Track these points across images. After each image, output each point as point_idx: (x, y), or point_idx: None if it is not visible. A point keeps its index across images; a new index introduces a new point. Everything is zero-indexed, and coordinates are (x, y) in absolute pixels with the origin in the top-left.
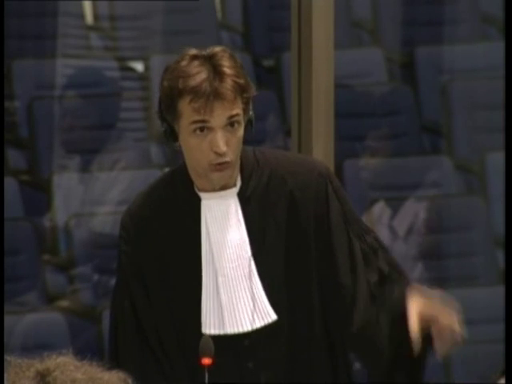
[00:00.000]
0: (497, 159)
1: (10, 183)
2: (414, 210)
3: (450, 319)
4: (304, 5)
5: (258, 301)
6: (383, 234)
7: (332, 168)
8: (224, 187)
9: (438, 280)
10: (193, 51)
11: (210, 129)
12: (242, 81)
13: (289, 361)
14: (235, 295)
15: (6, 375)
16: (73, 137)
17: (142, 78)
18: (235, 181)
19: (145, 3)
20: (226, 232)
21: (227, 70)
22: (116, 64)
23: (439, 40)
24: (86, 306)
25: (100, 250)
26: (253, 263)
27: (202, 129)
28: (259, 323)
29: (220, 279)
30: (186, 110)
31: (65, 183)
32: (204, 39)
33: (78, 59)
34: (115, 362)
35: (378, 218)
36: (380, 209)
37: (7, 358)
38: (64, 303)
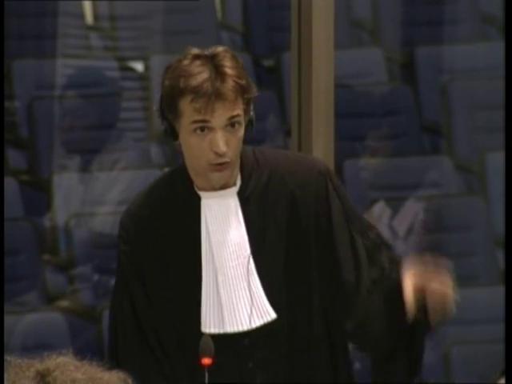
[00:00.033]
0: (497, 159)
1: (9, 183)
2: (414, 210)
3: (441, 283)
4: (304, 5)
5: (257, 299)
6: (383, 234)
7: (332, 168)
8: (224, 186)
9: None
10: (195, 50)
11: (211, 129)
12: (243, 81)
13: (289, 360)
14: (235, 294)
15: (6, 375)
16: (73, 137)
17: (142, 78)
18: (235, 180)
19: (145, 3)
20: (225, 231)
21: (229, 71)
22: (116, 64)
23: (439, 40)
24: (86, 306)
25: (100, 250)
26: (252, 262)
27: (202, 128)
28: (258, 322)
29: (220, 278)
30: (187, 109)
31: (65, 183)
32: (204, 39)
33: (78, 59)
34: (115, 362)
35: (378, 217)
36: (380, 209)
37: (7, 358)
38: (64, 303)
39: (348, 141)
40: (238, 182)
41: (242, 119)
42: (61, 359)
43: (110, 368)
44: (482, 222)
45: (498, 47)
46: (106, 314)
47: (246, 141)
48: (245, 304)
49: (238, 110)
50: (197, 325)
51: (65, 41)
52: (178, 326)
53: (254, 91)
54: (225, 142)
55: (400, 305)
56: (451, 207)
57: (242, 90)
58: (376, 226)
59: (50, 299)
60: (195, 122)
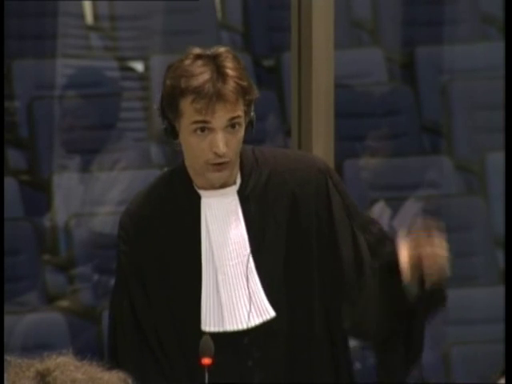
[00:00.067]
0: (497, 159)
1: (9, 183)
2: (414, 210)
3: (432, 245)
4: (304, 5)
5: (257, 298)
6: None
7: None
8: (224, 185)
9: None
10: (197, 50)
11: (211, 129)
12: (244, 83)
13: (289, 360)
14: (235, 293)
15: (6, 375)
16: (73, 137)
17: (142, 78)
18: (235, 178)
19: (145, 3)
20: (225, 230)
21: (230, 72)
22: (116, 64)
23: (439, 40)
24: (86, 306)
25: (100, 250)
26: (252, 261)
27: (202, 129)
28: (257, 320)
29: (220, 277)
30: (188, 109)
31: (65, 183)
32: (204, 39)
33: (78, 59)
34: (114, 362)
35: (378, 218)
36: (380, 209)
37: (7, 358)
38: (64, 303)
39: (348, 141)
40: (238, 181)
41: (242, 120)
42: (61, 359)
43: (110, 368)
44: (482, 222)
45: (498, 47)
46: (106, 314)
47: (246, 141)
48: (244, 302)
49: (239, 112)
50: (197, 324)
51: (65, 41)
52: (177, 325)
53: (255, 93)
54: (225, 143)
55: (398, 286)
56: (451, 207)
57: (243, 92)
58: (378, 221)
59: (49, 299)
60: (196, 122)
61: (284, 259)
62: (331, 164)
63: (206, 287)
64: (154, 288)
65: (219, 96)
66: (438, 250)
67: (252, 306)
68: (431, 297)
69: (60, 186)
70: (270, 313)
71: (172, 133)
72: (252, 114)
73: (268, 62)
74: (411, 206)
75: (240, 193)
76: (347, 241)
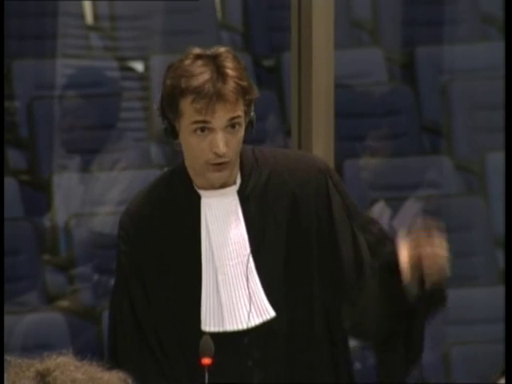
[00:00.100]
0: (497, 159)
1: (9, 183)
2: (414, 210)
3: (432, 245)
4: (304, 5)
5: (256, 298)
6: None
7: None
8: (224, 185)
9: None
10: (197, 50)
11: (211, 129)
12: (244, 83)
13: (289, 360)
14: (235, 293)
15: (6, 375)
16: (73, 137)
17: (142, 78)
18: (235, 178)
19: (145, 3)
20: (225, 230)
21: (230, 72)
22: (116, 64)
23: (439, 40)
24: (86, 306)
25: (100, 250)
26: (252, 261)
27: (202, 129)
28: (257, 320)
29: (220, 277)
30: (188, 109)
31: (65, 183)
32: (204, 39)
33: (78, 59)
34: (114, 362)
35: (378, 218)
36: (380, 209)
37: (7, 358)
38: (64, 303)
39: (348, 141)
40: (238, 181)
41: (242, 120)
42: (61, 359)
43: (110, 368)
44: (482, 222)
45: (498, 47)
46: (106, 314)
47: (246, 141)
48: (244, 302)
49: (239, 112)
50: (197, 324)
51: (65, 41)
52: (177, 325)
53: (255, 93)
54: (225, 143)
55: (398, 286)
56: (451, 207)
57: (243, 92)
58: (378, 220)
59: (50, 299)
60: (196, 122)
61: (284, 259)
62: (331, 164)
63: (206, 287)
64: (153, 288)
65: (219, 96)
66: (438, 249)
67: (252, 306)
68: (431, 297)
69: (60, 185)
70: (270, 313)
71: (172, 133)
72: (252, 113)
73: (268, 62)
74: (411, 206)
75: (240, 193)
76: (347, 241)
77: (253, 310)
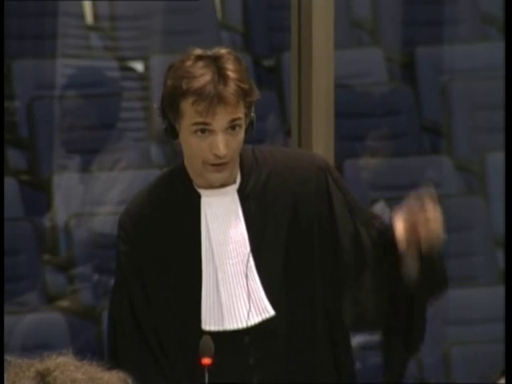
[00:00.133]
0: (497, 159)
1: (9, 183)
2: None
3: (427, 211)
4: (304, 5)
5: (256, 296)
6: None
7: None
8: (224, 184)
9: None
10: (197, 51)
11: (211, 131)
12: (245, 86)
13: (289, 359)
14: (235, 292)
15: (6, 375)
16: (73, 137)
17: (142, 78)
18: (235, 178)
19: (145, 3)
20: (225, 229)
21: (231, 74)
22: (116, 64)
23: (439, 40)
24: (86, 306)
25: (100, 250)
26: (252, 260)
27: (203, 130)
28: (257, 318)
29: (220, 276)
30: (189, 110)
31: (65, 183)
32: (204, 39)
33: (78, 59)
34: (114, 362)
35: None
36: (380, 209)
37: (7, 358)
38: (64, 303)
39: (348, 141)
40: (238, 180)
41: (242, 122)
42: (61, 359)
43: (110, 368)
44: (482, 221)
45: (498, 47)
46: (106, 314)
47: (246, 141)
48: (244, 301)
49: (240, 114)
50: (197, 324)
51: (65, 41)
52: (177, 325)
53: (256, 94)
54: (225, 145)
55: (398, 270)
56: (451, 207)
57: (243, 94)
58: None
59: (50, 299)
60: (196, 124)
61: (284, 258)
62: (331, 164)
63: (207, 286)
64: (153, 288)
65: (220, 98)
66: (432, 214)
67: (251, 305)
68: (432, 273)
69: (60, 185)
70: (270, 311)
71: (172, 133)
72: (252, 115)
73: (268, 62)
74: None
75: (240, 192)
76: (349, 236)
77: (252, 308)
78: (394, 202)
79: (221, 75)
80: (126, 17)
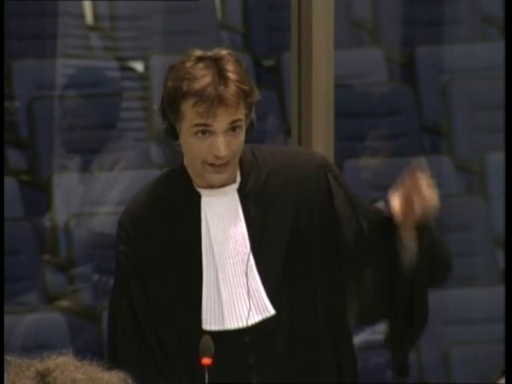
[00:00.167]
0: (497, 159)
1: (9, 183)
2: None
3: (421, 186)
4: (304, 5)
5: (256, 295)
6: None
7: None
8: (224, 184)
9: None
10: (198, 52)
11: (212, 132)
12: (246, 87)
13: (290, 358)
14: (235, 291)
15: (6, 375)
16: (73, 137)
17: (142, 77)
18: (235, 177)
19: (145, 3)
20: (226, 228)
21: (232, 75)
22: (116, 64)
23: (439, 40)
24: (86, 306)
25: (100, 250)
26: (252, 259)
27: (203, 132)
28: (257, 317)
29: (220, 275)
30: (189, 112)
31: (65, 183)
32: (204, 39)
33: (78, 59)
34: (114, 362)
35: None
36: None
37: (7, 358)
38: (64, 303)
39: (348, 141)
40: (238, 179)
41: (243, 123)
42: (61, 359)
43: (110, 368)
44: (482, 222)
45: (498, 47)
46: (106, 314)
47: (246, 141)
48: (244, 300)
49: (240, 115)
50: (197, 323)
51: (65, 41)
52: (178, 325)
53: (256, 95)
54: (225, 146)
55: (399, 251)
56: (451, 207)
57: (244, 95)
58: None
59: (50, 299)
60: (197, 125)
61: (285, 257)
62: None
63: (207, 286)
64: (153, 288)
65: (221, 100)
66: (425, 188)
67: (252, 304)
68: (431, 247)
69: (60, 185)
70: (270, 310)
71: (172, 133)
72: (253, 115)
73: (268, 62)
74: None
75: (240, 191)
76: (352, 232)
77: (253, 307)
78: None
79: (221, 77)
80: (125, 17)
